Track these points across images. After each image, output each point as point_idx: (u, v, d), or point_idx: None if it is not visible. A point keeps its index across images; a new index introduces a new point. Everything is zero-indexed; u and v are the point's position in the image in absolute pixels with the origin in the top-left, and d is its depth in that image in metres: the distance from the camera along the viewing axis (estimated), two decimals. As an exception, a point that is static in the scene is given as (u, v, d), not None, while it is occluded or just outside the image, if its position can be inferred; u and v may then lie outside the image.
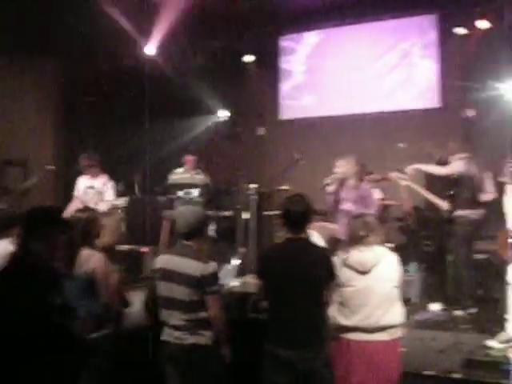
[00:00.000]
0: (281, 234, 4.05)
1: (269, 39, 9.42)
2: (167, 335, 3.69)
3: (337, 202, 5.92)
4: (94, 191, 6.82)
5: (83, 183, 6.92)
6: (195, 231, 3.73)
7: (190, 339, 3.58)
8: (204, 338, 3.60)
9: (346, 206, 5.83)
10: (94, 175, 6.86)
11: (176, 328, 3.62)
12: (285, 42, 9.70)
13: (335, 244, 6.54)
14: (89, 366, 3.76)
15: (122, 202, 6.45)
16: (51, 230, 2.58)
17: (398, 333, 3.65)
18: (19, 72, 8.84)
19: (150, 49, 9.13)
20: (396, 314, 3.64)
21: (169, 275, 3.66)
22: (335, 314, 3.64)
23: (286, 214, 3.59)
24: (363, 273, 3.59)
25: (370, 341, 3.54)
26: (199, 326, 3.59)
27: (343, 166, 5.96)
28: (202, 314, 3.59)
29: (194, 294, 3.57)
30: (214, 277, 3.64)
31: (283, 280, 3.46)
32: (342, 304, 3.63)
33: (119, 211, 6.73)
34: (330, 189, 5.98)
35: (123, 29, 8.25)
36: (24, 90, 8.94)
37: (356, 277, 3.60)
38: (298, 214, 3.54)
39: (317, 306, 3.52)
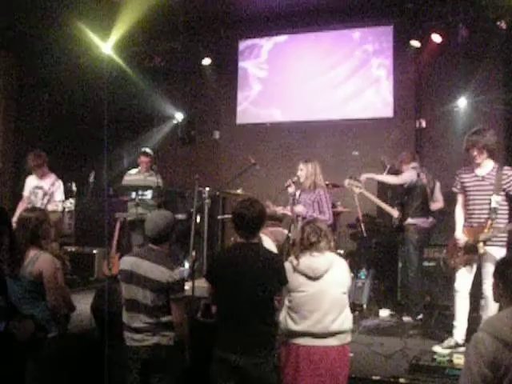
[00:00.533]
0: (234, 238, 4.03)
1: (227, 43, 9.40)
2: (129, 339, 3.65)
3: (292, 204, 5.98)
4: (42, 191, 6.66)
5: (31, 183, 6.76)
6: (164, 236, 3.70)
7: (153, 339, 3.57)
8: (166, 338, 3.58)
9: (299, 208, 5.86)
10: (42, 175, 6.71)
11: (138, 331, 3.60)
12: (243, 47, 9.70)
13: (287, 249, 6.60)
14: (33, 369, 3.69)
15: (69, 204, 6.31)
16: None
17: (347, 338, 3.68)
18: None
19: (107, 48, 9.01)
20: (346, 319, 3.66)
21: (134, 278, 3.62)
22: (285, 319, 3.64)
23: (237, 218, 3.56)
24: (314, 278, 3.60)
25: (319, 346, 3.55)
26: (162, 328, 3.58)
27: (302, 170, 6.01)
28: (165, 318, 3.57)
29: (159, 299, 3.56)
30: (180, 283, 3.61)
31: (233, 285, 3.43)
32: (292, 309, 3.63)
33: (61, 212, 6.55)
34: (290, 190, 6.03)
35: (80, 27, 8.12)
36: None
37: (307, 282, 3.60)
38: (250, 219, 3.51)
39: (266, 312, 3.49)
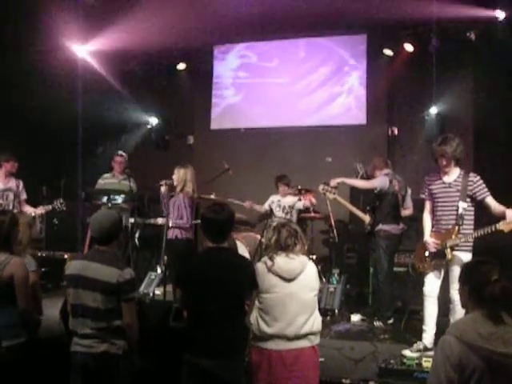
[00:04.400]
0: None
1: (202, 48, 9.42)
2: (76, 345, 3.53)
3: (165, 204, 6.41)
4: (12, 193, 6.61)
5: None
6: (110, 236, 3.60)
7: (101, 347, 3.45)
8: (115, 346, 3.48)
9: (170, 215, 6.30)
10: (6, 177, 6.68)
11: (86, 337, 3.47)
12: (218, 52, 9.73)
13: (260, 253, 6.64)
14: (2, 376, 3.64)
15: (60, 204, 6.28)
16: None
17: (317, 340, 3.70)
18: None
19: (82, 51, 8.96)
20: (316, 321, 3.67)
21: (81, 282, 3.50)
22: (256, 321, 3.62)
23: (207, 222, 3.57)
24: (288, 280, 3.58)
25: (291, 349, 3.54)
26: (111, 335, 3.47)
27: (175, 174, 6.47)
28: (116, 323, 3.47)
29: (109, 302, 3.45)
30: (130, 283, 3.52)
31: (203, 289, 3.42)
32: (263, 310, 3.60)
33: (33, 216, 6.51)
34: (162, 190, 6.44)
35: (55, 29, 8.06)
36: None
37: (281, 284, 3.58)
38: (219, 223, 3.52)
39: (237, 316, 3.50)
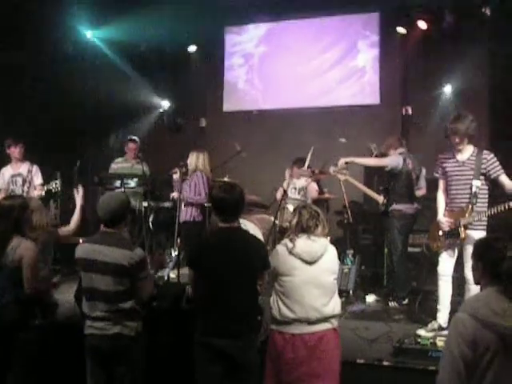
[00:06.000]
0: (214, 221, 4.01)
1: (214, 30, 9.35)
2: (89, 328, 3.58)
3: (178, 189, 6.45)
4: (22, 178, 6.65)
5: (8, 173, 6.76)
6: (117, 217, 3.62)
7: (114, 329, 3.50)
8: (128, 328, 3.52)
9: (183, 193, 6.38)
10: (18, 163, 6.71)
11: (98, 319, 3.52)
12: (229, 34, 9.67)
13: (274, 235, 6.64)
14: (18, 358, 3.69)
15: (56, 185, 6.22)
16: None
17: (337, 322, 3.69)
18: None
19: (91, 35, 8.94)
20: (336, 304, 3.65)
21: (91, 265, 3.53)
22: (277, 305, 3.59)
23: (218, 202, 3.56)
24: (310, 263, 3.55)
25: (313, 332, 3.52)
26: (123, 317, 3.51)
27: (190, 158, 6.56)
28: (127, 304, 3.51)
29: (121, 284, 3.48)
30: (142, 263, 3.56)
31: (215, 269, 3.43)
32: (284, 294, 3.57)
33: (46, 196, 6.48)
34: (175, 177, 6.58)
35: (63, 12, 8.05)
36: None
37: (302, 266, 3.55)
38: (231, 203, 3.51)
39: (250, 295, 3.51)
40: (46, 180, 6.66)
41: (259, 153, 8.56)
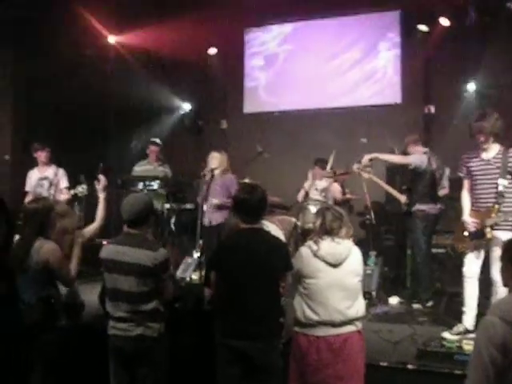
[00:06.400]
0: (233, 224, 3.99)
1: (234, 31, 9.35)
2: (112, 328, 3.58)
3: (208, 191, 6.41)
4: (48, 181, 6.71)
5: (35, 176, 6.83)
6: (141, 219, 3.61)
7: (137, 330, 3.49)
8: (151, 330, 3.52)
9: (213, 196, 6.36)
10: (44, 166, 6.76)
11: (121, 320, 3.52)
12: (250, 35, 9.67)
13: (295, 237, 6.61)
14: (41, 359, 3.70)
15: (82, 189, 6.25)
16: None
17: (361, 324, 3.65)
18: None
19: (113, 39, 9.02)
20: (360, 306, 3.62)
21: (115, 266, 3.53)
22: (301, 307, 3.56)
23: (240, 203, 3.55)
24: (334, 265, 3.51)
25: (337, 334, 3.49)
26: (146, 318, 3.50)
27: (215, 158, 6.51)
28: (150, 305, 3.51)
29: (144, 285, 3.48)
30: (166, 263, 3.56)
31: (237, 270, 3.41)
32: (308, 297, 3.54)
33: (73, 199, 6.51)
34: (207, 178, 6.48)
35: (86, 17, 8.14)
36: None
37: (326, 269, 3.51)
38: (253, 204, 3.50)
39: (272, 297, 3.48)
40: (71, 183, 6.71)
41: (280, 154, 8.52)
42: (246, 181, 7.00)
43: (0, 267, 2.52)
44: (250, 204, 3.49)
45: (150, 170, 7.38)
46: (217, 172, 6.49)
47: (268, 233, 3.69)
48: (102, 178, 4.71)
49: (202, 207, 6.32)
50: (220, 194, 6.43)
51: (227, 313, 3.47)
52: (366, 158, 6.04)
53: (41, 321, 3.54)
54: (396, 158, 6.33)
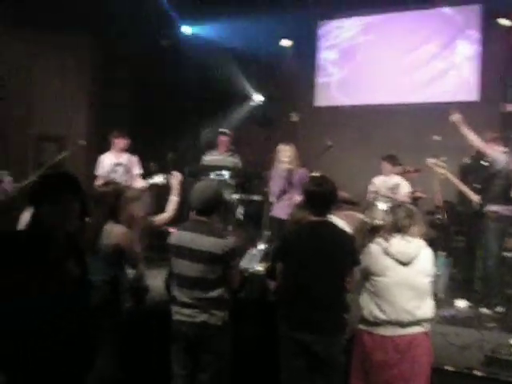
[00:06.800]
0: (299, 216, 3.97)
1: (307, 23, 9.30)
2: (176, 314, 3.65)
3: (290, 185, 6.31)
4: (123, 168, 6.85)
5: (109, 161, 6.93)
6: (211, 207, 3.65)
7: (201, 317, 3.54)
8: (215, 317, 3.56)
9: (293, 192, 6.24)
10: (120, 152, 6.92)
11: (186, 306, 3.58)
12: (324, 28, 9.59)
13: (363, 233, 6.52)
14: (107, 342, 3.81)
15: (162, 179, 6.37)
16: (58, 195, 2.50)
17: (429, 326, 3.58)
18: (57, 49, 8.92)
19: (187, 29, 9.16)
20: (429, 307, 3.56)
21: (183, 252, 3.58)
22: (368, 305, 3.54)
23: (309, 195, 3.54)
24: (404, 263, 3.47)
25: (404, 335, 3.46)
26: (211, 305, 3.55)
27: (288, 151, 6.44)
28: (216, 293, 3.55)
29: (212, 272, 3.52)
30: (233, 252, 3.60)
31: (305, 262, 3.42)
32: (376, 294, 3.51)
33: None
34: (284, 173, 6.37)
35: (161, 7, 8.31)
36: (61, 66, 9.03)
37: (396, 267, 3.48)
38: (323, 196, 3.48)
39: (337, 291, 3.48)
40: (145, 172, 6.86)
41: (350, 149, 8.43)
42: (315, 174, 6.97)
43: (74, 249, 2.60)
44: (319, 196, 3.49)
45: (219, 160, 7.44)
46: (290, 166, 6.44)
47: (336, 226, 3.67)
48: (176, 173, 4.78)
49: (273, 199, 6.30)
50: (299, 189, 6.36)
51: (293, 305, 3.49)
52: (455, 117, 5.88)
53: (108, 303, 3.64)
54: (476, 141, 6.06)
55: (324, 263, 3.40)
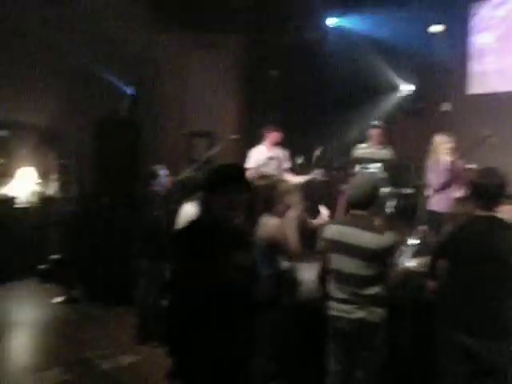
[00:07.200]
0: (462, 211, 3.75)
1: (459, 7, 8.80)
2: (334, 309, 3.61)
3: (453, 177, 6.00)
4: (277, 161, 6.96)
5: (263, 154, 7.03)
6: (369, 201, 3.58)
7: (359, 314, 3.49)
8: (373, 315, 3.49)
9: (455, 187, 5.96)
10: (273, 146, 7.01)
11: (344, 302, 3.54)
12: (477, 10, 9.01)
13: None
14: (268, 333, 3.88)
15: (320, 176, 6.44)
16: (230, 186, 2.55)
17: None
18: (207, 47, 9.27)
19: (332, 21, 9.08)
20: None
21: (340, 247, 3.54)
22: None
23: (477, 188, 3.32)
24: None
25: None
26: (369, 302, 3.48)
27: (450, 143, 6.12)
28: (374, 290, 3.48)
29: (370, 268, 3.45)
30: (392, 247, 3.50)
31: (473, 261, 3.23)
32: None
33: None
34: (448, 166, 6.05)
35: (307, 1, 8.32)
36: (211, 64, 9.37)
37: None
38: (493, 188, 3.27)
39: (509, 294, 3.23)
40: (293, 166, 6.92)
41: (508, 139, 7.85)
42: (472, 166, 6.58)
43: (243, 241, 2.66)
44: (488, 189, 3.28)
45: (371, 153, 7.29)
46: (452, 158, 6.17)
47: (506, 222, 3.42)
48: (324, 211, 4.75)
49: (430, 192, 6.03)
50: (459, 182, 6.08)
51: (459, 307, 3.30)
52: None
53: (272, 295, 3.69)
54: None
55: (494, 262, 3.20)
